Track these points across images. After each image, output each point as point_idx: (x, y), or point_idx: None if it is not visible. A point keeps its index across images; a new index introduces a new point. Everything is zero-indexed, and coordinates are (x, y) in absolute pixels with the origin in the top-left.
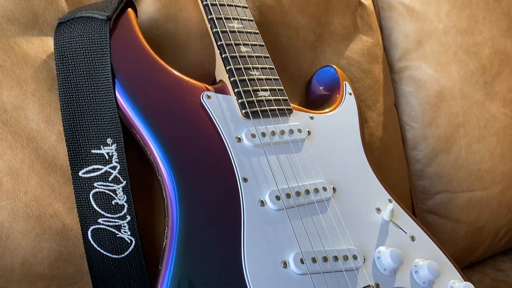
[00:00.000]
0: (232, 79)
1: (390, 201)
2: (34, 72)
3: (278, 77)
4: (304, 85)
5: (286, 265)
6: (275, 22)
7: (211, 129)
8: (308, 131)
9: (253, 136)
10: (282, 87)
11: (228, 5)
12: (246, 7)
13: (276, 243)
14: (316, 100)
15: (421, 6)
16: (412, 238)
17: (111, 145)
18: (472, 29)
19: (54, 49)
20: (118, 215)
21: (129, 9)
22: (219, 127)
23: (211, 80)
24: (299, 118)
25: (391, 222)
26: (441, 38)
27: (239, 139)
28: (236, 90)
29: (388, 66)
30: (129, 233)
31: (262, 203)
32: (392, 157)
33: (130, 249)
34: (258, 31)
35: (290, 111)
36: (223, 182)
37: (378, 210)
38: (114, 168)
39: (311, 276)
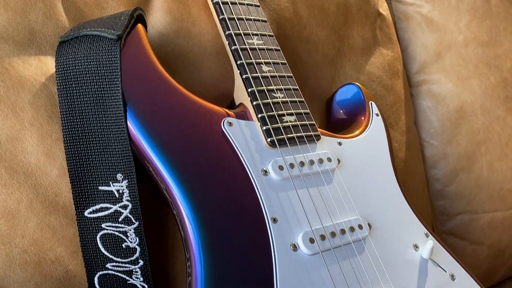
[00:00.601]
0: (255, 103)
1: (427, 235)
2: (32, 98)
3: (303, 99)
4: (325, 103)
5: None
6: (294, 36)
7: (234, 161)
8: (338, 159)
9: (281, 168)
10: (308, 110)
11: (247, 19)
12: (265, 21)
13: None
14: (340, 121)
15: (440, 17)
16: (452, 277)
17: (122, 181)
18: (493, 41)
19: (56, 71)
20: (129, 259)
21: (139, 25)
22: (243, 159)
23: (227, 101)
24: (328, 145)
25: (430, 259)
26: (461, 51)
27: (266, 172)
28: (260, 116)
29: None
30: (141, 279)
31: (295, 247)
32: (416, 180)
33: None
34: (279, 48)
35: (318, 137)
36: (250, 223)
37: (416, 247)
38: (125, 207)
39: None
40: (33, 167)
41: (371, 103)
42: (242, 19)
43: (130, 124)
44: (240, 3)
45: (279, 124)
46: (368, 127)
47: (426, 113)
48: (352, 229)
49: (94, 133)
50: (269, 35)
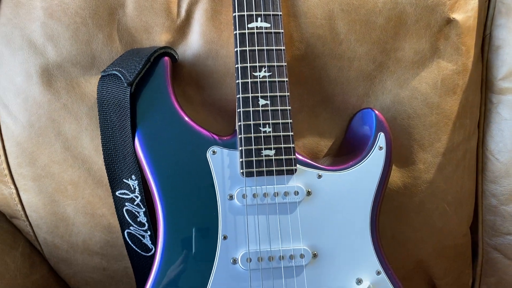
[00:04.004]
0: (239, 136)
1: (378, 273)
2: (88, 110)
3: (290, 133)
4: (348, 119)
5: None
6: (324, 54)
7: (208, 184)
8: (308, 191)
9: (244, 196)
10: (292, 145)
11: (259, 50)
12: (281, 50)
13: None
14: (348, 144)
15: None
16: None
17: (135, 180)
18: None
19: (97, 97)
20: (142, 228)
21: (165, 58)
22: (216, 183)
23: None
24: (303, 177)
25: None
26: None
27: (231, 197)
28: (239, 148)
29: (484, 89)
30: (150, 242)
31: (234, 261)
32: (444, 199)
33: (151, 253)
34: (286, 78)
35: (291, 171)
36: (206, 234)
37: (359, 281)
38: (136, 197)
39: None
40: (87, 157)
41: (380, 134)
42: (254, 50)
43: (137, 144)
44: (258, 32)
45: (253, 158)
46: (362, 161)
47: (501, 125)
48: (291, 257)
49: (118, 144)
50: (278, 66)
